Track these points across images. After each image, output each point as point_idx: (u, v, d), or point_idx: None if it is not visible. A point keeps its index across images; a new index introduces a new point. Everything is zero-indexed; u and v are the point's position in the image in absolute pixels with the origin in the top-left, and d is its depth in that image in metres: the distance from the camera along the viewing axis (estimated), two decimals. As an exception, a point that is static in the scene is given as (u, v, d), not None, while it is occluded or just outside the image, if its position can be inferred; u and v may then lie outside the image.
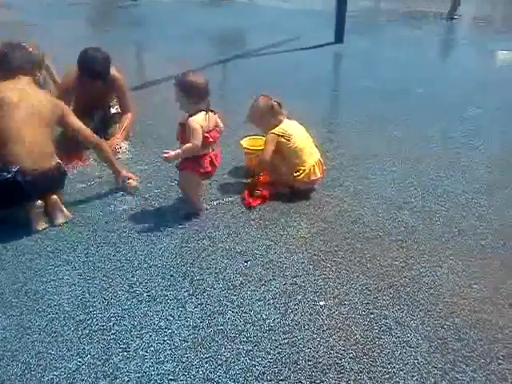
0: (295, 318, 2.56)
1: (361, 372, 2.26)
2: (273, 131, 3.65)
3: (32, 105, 3.31)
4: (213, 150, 3.34)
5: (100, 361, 2.30)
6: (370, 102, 5.82)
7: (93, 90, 4.24)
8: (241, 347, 2.38)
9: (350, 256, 3.06)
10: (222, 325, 2.51)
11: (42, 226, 3.24)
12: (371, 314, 2.60)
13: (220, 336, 2.44)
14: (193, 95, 3.20)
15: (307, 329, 2.49)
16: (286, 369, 2.27)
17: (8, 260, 2.97)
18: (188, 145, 3.19)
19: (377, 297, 2.72)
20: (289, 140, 3.62)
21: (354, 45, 8.65)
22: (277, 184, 3.75)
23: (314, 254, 3.08)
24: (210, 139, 3.27)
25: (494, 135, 4.92)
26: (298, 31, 9.42)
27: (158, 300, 2.67)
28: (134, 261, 2.98)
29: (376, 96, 6.05)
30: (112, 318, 2.55)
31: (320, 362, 2.31)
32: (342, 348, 2.38)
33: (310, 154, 3.69)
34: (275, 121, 3.68)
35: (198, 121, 3.20)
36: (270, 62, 7.70)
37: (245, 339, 2.42)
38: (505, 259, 3.05)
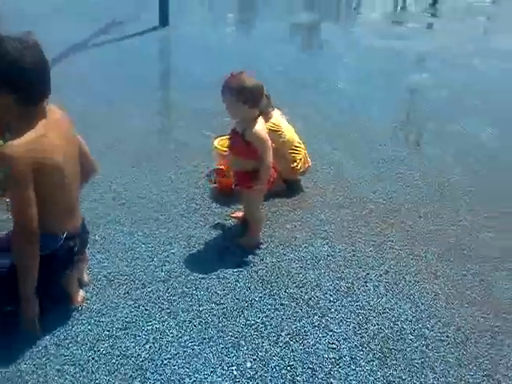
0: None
1: None
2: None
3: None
4: None
5: None
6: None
7: None
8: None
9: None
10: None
11: (81, 296, 2.38)
12: None
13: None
14: (249, 99, 2.64)
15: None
16: None
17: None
18: (265, 166, 2.71)
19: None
20: (280, 135, 3.31)
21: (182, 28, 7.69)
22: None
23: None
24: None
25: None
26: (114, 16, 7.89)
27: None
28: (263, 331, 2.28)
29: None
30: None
31: None
32: None
33: (298, 142, 3.48)
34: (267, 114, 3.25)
35: (264, 130, 2.74)
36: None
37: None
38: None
